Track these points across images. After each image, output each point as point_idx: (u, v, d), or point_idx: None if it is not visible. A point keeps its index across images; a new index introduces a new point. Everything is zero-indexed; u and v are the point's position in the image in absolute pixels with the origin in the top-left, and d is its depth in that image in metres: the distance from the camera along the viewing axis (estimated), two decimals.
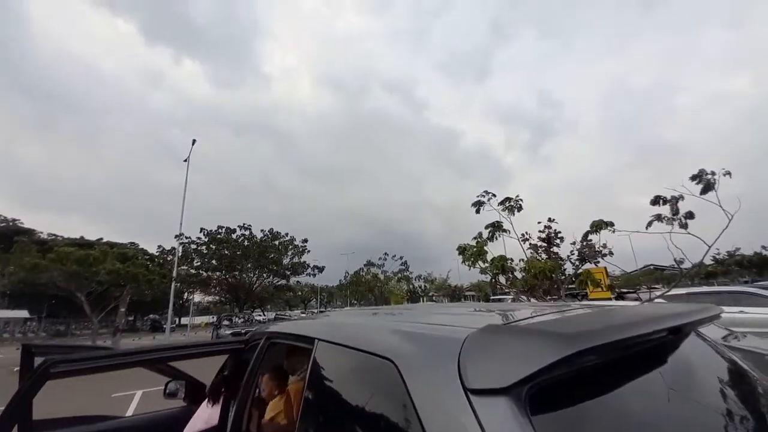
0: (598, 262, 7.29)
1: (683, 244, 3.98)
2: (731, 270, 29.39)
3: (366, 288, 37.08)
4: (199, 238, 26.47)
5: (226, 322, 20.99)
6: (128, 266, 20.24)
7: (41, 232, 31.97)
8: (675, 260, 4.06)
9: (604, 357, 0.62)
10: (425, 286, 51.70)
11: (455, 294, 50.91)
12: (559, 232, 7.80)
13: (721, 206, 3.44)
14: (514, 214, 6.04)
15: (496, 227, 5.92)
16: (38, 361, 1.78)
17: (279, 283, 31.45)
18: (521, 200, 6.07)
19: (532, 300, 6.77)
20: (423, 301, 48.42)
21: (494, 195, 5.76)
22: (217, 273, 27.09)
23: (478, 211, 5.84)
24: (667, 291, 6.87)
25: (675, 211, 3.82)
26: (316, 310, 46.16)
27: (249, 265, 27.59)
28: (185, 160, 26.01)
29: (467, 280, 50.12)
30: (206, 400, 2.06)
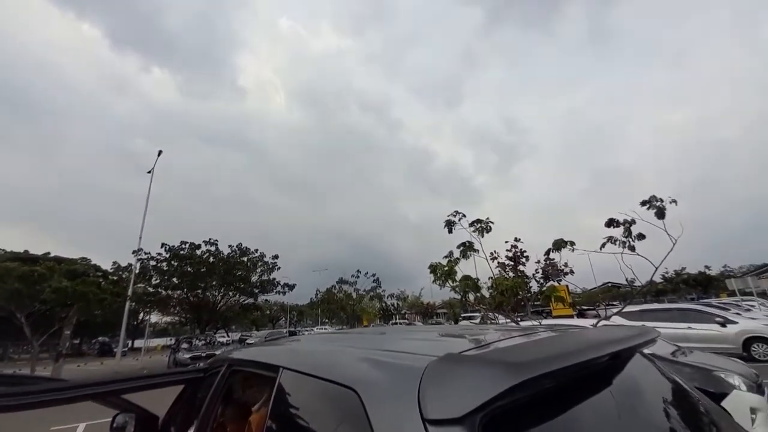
0: (561, 279, 7.66)
1: (636, 264, 4.31)
2: (679, 288, 31.78)
3: (338, 306, 36.27)
4: (159, 254, 24.89)
5: (185, 345, 19.56)
6: (77, 284, 18.52)
7: None
8: (626, 279, 4.37)
9: (554, 382, 0.66)
10: (398, 304, 51.46)
11: (427, 312, 51.02)
12: (525, 251, 8.14)
13: (666, 231, 3.78)
14: (483, 236, 6.25)
15: (467, 247, 6.09)
16: None
17: (246, 301, 30.02)
18: (491, 222, 6.30)
19: (499, 318, 6.95)
20: (395, 318, 48.05)
21: (464, 215, 5.95)
22: (178, 291, 25.46)
23: (450, 231, 6.00)
24: (622, 308, 7.31)
25: (627, 233, 4.13)
26: (285, 330, 44.36)
27: (214, 283, 26.19)
28: (149, 172, 24.79)
29: (440, 298, 50.46)
30: None
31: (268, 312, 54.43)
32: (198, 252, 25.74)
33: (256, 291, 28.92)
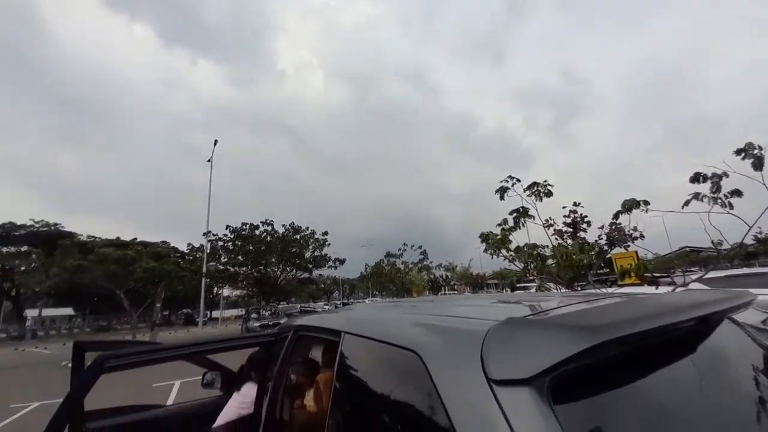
0: (629, 245, 6.98)
1: (722, 225, 3.73)
2: None
3: (386, 279, 37.41)
4: (225, 235, 27.47)
5: (254, 315, 21.82)
6: (162, 264, 21.37)
7: (81, 235, 34.05)
8: (712, 242, 3.82)
9: (627, 348, 0.61)
10: (446, 275, 51.59)
11: (477, 283, 50.51)
12: (586, 216, 7.51)
13: (764, 183, 3.20)
14: (542, 200, 5.80)
15: (521, 213, 5.73)
16: (88, 357, 1.93)
17: (302, 276, 32.26)
18: (550, 185, 5.82)
19: (559, 288, 6.60)
20: (444, 290, 48.46)
21: (518, 180, 5.57)
22: (244, 268, 28.11)
23: (502, 198, 5.65)
24: (704, 274, 6.50)
25: (716, 189, 3.58)
26: (339, 302, 47.10)
27: (273, 260, 28.42)
28: (209, 160, 26.92)
29: (490, 269, 49.52)
30: (238, 390, 2.16)
31: (322, 285, 58.11)
32: (257, 232, 27.95)
33: (311, 266, 30.88)
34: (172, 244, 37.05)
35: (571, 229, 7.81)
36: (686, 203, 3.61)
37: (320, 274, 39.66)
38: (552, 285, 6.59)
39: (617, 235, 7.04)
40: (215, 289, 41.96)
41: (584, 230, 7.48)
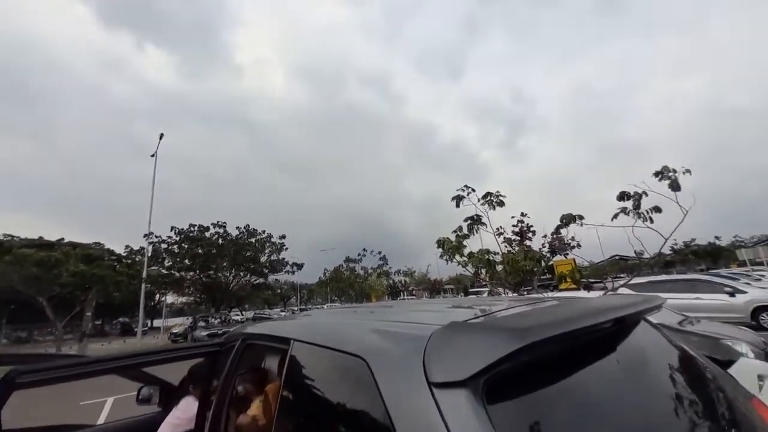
0: (568, 254, 7.66)
1: (644, 236, 4.26)
2: (688, 259, 31.65)
3: (346, 284, 37.03)
4: (170, 237, 25.42)
5: (202, 324, 20.36)
6: (93, 268, 19.13)
7: None
8: (635, 251, 4.34)
9: (557, 348, 0.67)
10: (405, 280, 52.23)
11: (435, 288, 51.81)
12: (531, 226, 8.10)
13: (677, 202, 3.69)
14: (494, 209, 6.17)
15: (475, 221, 6.03)
16: (2, 371, 1.69)
17: (257, 281, 30.81)
18: (503, 196, 6.20)
19: (507, 293, 7.02)
20: (403, 295, 49.03)
21: (473, 190, 5.87)
22: (191, 273, 26.18)
23: (458, 206, 5.94)
24: (629, 280, 7.31)
25: (638, 206, 4.05)
26: (296, 308, 45.59)
27: (225, 264, 26.83)
28: (153, 155, 24.84)
29: (447, 274, 51.06)
30: (178, 404, 2.01)
31: (279, 291, 55.89)
32: (207, 234, 26.24)
33: (266, 271, 29.61)
34: (107, 246, 33.42)
35: (518, 238, 8.39)
36: (614, 217, 4.06)
37: (276, 279, 38.16)
38: (501, 289, 6.99)
39: (558, 244, 7.70)
40: (157, 296, 38.49)
41: (530, 239, 8.07)
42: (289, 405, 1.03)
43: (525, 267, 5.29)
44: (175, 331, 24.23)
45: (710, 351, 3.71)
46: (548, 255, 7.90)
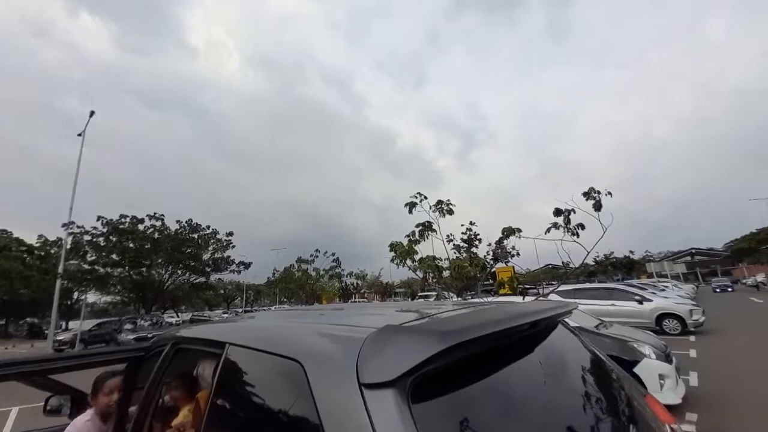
0: (508, 261, 8.25)
1: (572, 248, 4.77)
2: (608, 269, 35.85)
3: (296, 285, 35.91)
4: (95, 228, 22.66)
5: (128, 326, 18.33)
6: None
7: None
8: (562, 262, 4.83)
9: (479, 349, 0.73)
10: (357, 283, 52.08)
11: (386, 291, 52.40)
12: (478, 234, 8.61)
13: (599, 220, 4.18)
14: (444, 217, 6.43)
15: (426, 227, 6.24)
16: None
17: (197, 280, 28.61)
18: (453, 205, 6.48)
19: (452, 296, 7.35)
20: (354, 297, 48.89)
21: (426, 197, 6.06)
22: (119, 269, 23.55)
23: (410, 212, 6.10)
24: (557, 287, 8.08)
25: (567, 222, 4.48)
26: (240, 310, 43.05)
27: (160, 261, 24.55)
28: (79, 134, 21.96)
29: (398, 278, 51.91)
30: (92, 416, 1.80)
31: (222, 291, 52.36)
32: (141, 227, 23.82)
33: (209, 269, 27.66)
34: (15, 235, 28.67)
35: (466, 245, 8.85)
36: (547, 230, 4.48)
37: (220, 279, 35.77)
38: (447, 293, 7.30)
39: (500, 253, 8.27)
40: (76, 293, 33.90)
41: (476, 246, 8.56)
42: (220, 412, 0.98)
43: (470, 273, 5.59)
44: (60, 338, 18.84)
45: (620, 352, 4.23)
46: (491, 262, 8.45)
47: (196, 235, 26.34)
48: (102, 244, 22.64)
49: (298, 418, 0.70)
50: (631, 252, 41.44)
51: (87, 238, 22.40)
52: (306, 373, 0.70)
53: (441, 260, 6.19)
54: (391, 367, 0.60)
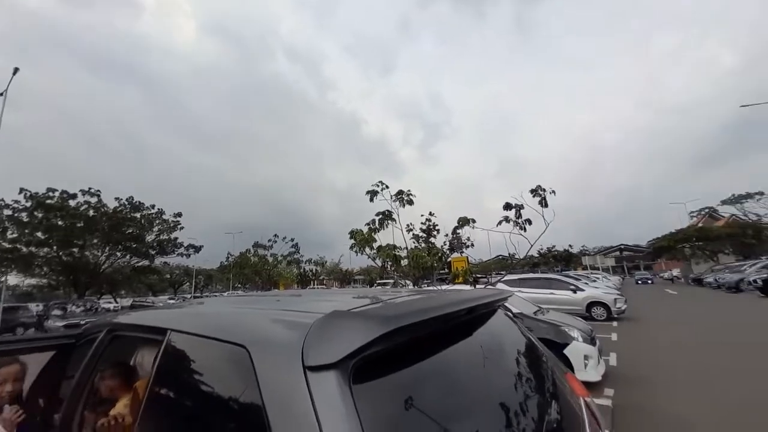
0: (463, 251, 8.67)
1: (519, 241, 5.16)
2: (549, 261, 39.04)
3: (252, 271, 34.63)
4: (17, 202, 19.95)
5: (57, 312, 16.59)
6: None
7: None
8: (509, 253, 5.20)
9: (421, 333, 0.78)
10: (316, 269, 51.43)
11: (345, 278, 52.45)
12: (437, 225, 8.91)
13: (542, 216, 4.53)
14: (404, 206, 6.54)
15: (386, 216, 6.31)
16: None
17: (139, 263, 26.49)
18: (413, 195, 6.59)
19: (409, 284, 7.59)
20: (313, 284, 48.37)
21: (387, 186, 6.11)
22: (45, 249, 21.06)
23: (371, 200, 6.12)
24: (502, 277, 8.69)
25: (518, 216, 4.80)
26: (188, 296, 40.69)
27: (95, 241, 22.34)
28: (1, 94, 18.94)
29: (358, 265, 52.16)
30: (13, 411, 1.64)
31: (168, 276, 48.97)
32: (73, 203, 21.39)
33: (153, 252, 25.70)
34: None
35: (425, 235, 9.13)
36: (498, 223, 4.77)
37: (166, 263, 33.43)
38: (404, 282, 7.52)
39: (456, 243, 8.65)
40: None
41: (435, 237, 8.87)
42: (159, 401, 0.95)
43: (426, 263, 5.80)
44: None
45: (554, 335, 4.69)
46: (448, 252, 8.82)
47: (138, 215, 24.24)
48: (25, 220, 20.04)
49: (241, 403, 0.71)
50: (570, 246, 45.50)
51: (7, 212, 19.68)
52: (251, 358, 0.71)
53: (400, 249, 6.34)
54: (335, 350, 0.63)
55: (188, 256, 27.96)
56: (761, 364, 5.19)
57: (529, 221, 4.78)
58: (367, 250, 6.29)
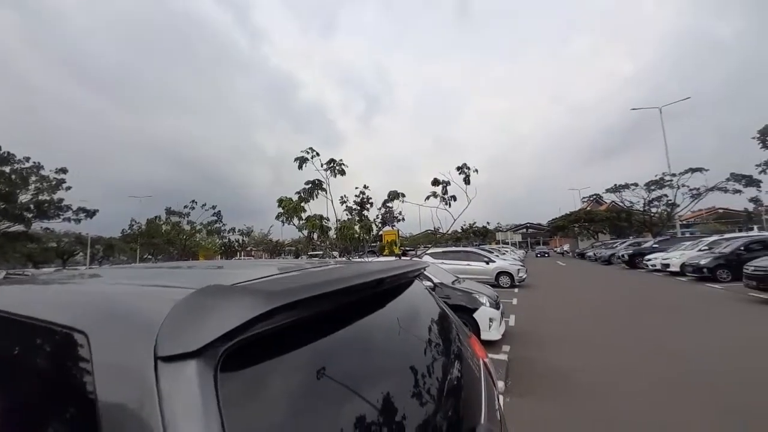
0: (394, 225, 8.92)
1: (446, 216, 5.47)
2: (470, 236, 42.90)
3: (164, 240, 30.99)
4: None
5: None
6: None
7: None
8: (434, 227, 5.48)
9: (321, 308, 0.68)
10: (243, 240, 48.44)
11: (275, 249, 50.46)
12: (370, 198, 8.95)
13: (466, 193, 4.81)
14: (336, 176, 6.32)
15: (316, 185, 6.03)
16: None
17: (11, 228, 21.65)
18: (345, 165, 6.39)
19: (337, 256, 7.57)
20: (240, 255, 45.59)
21: (318, 153, 5.78)
22: None
23: (300, 167, 5.75)
24: (426, 250, 9.24)
25: (445, 192, 5.01)
26: (84, 267, 34.85)
27: None
28: None
29: (290, 236, 50.53)
30: None
31: (54, 244, 41.02)
32: None
33: (30, 215, 21.18)
34: None
35: (359, 207, 9.12)
36: (426, 198, 4.94)
37: (48, 228, 28.01)
38: (333, 254, 7.47)
39: (388, 217, 8.84)
40: None
41: (368, 209, 8.91)
42: None
43: (354, 234, 5.78)
44: None
45: (466, 302, 5.19)
46: (380, 225, 8.98)
47: (7, 168, 19.51)
48: None
49: (76, 406, 0.55)
50: (488, 223, 50.55)
51: None
52: (90, 346, 0.55)
53: (327, 220, 6.18)
54: (200, 334, 0.49)
55: (78, 221, 23.74)
56: (622, 319, 6.55)
57: (454, 197, 5.05)
58: (295, 220, 5.99)
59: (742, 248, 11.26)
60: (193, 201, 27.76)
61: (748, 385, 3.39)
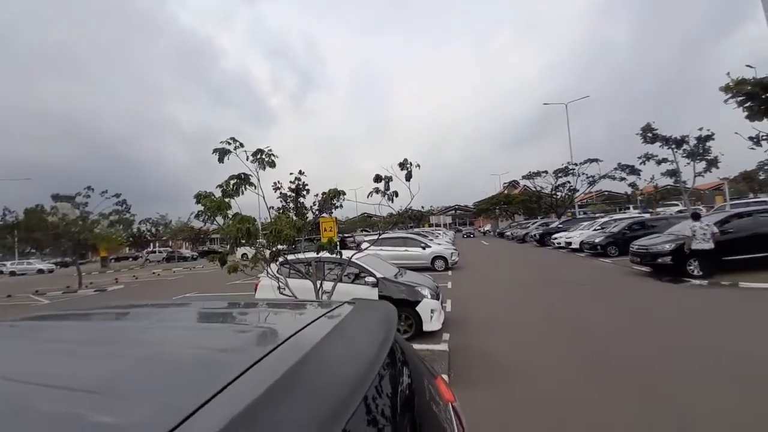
0: (332, 212, 8.64)
1: (387, 207, 5.42)
2: (406, 220, 44.73)
3: (51, 233, 25.61)
4: None
5: None
6: None
7: None
8: (371, 215, 5.37)
9: None
10: (156, 230, 42.94)
11: (198, 238, 45.70)
12: (307, 185, 8.46)
13: (409, 189, 4.77)
14: (264, 169, 5.62)
15: (242, 180, 5.25)
16: None
17: None
18: (274, 155, 5.69)
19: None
20: (153, 246, 40.38)
21: (242, 144, 5.04)
22: None
23: (221, 161, 4.89)
24: (366, 235, 9.20)
25: (387, 188, 4.89)
26: None
27: None
28: None
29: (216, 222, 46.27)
30: None
31: None
32: None
33: None
34: None
35: (294, 194, 8.56)
36: (369, 195, 4.76)
37: None
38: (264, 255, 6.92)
39: (325, 205, 8.52)
40: None
41: (304, 196, 8.42)
42: None
43: (288, 236, 5.31)
44: None
45: (408, 295, 5.25)
46: (317, 212, 8.60)
47: None
48: None
49: None
50: (422, 207, 53.04)
51: None
52: None
53: (253, 220, 5.50)
54: None
55: None
56: (539, 295, 7.39)
57: (396, 193, 4.97)
58: (219, 219, 5.20)
59: (626, 229, 13.58)
60: (88, 187, 23.01)
61: (615, 332, 4.27)
